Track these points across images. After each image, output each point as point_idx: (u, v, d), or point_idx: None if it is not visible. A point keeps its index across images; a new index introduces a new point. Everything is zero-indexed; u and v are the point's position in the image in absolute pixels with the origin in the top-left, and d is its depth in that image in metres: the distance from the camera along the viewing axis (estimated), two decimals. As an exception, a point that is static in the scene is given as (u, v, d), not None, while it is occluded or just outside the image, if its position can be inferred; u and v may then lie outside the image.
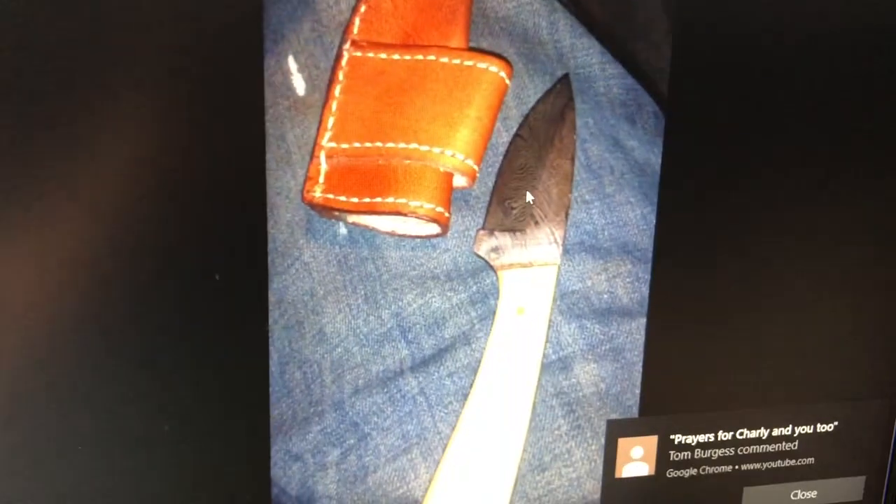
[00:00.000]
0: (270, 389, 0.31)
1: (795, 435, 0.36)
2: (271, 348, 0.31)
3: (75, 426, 0.29)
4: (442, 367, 0.33)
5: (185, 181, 0.28)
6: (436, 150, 0.31)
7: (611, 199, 0.33)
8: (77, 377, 0.29)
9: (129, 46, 0.27)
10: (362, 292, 0.32)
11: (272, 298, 0.31)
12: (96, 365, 0.29)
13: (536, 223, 0.33)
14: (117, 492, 0.30)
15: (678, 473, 0.36)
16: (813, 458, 0.36)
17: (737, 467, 0.36)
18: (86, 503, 0.30)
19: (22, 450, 0.29)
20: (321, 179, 0.31)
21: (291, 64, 0.31)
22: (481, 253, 0.33)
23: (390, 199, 0.31)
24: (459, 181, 0.32)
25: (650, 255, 0.33)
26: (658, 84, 0.32)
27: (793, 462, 0.36)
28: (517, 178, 0.33)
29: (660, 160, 0.32)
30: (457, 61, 0.31)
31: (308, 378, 0.32)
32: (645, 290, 0.33)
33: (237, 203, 0.29)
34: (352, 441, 0.33)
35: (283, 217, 0.32)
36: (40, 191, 0.27)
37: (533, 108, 0.33)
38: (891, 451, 0.37)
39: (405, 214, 0.31)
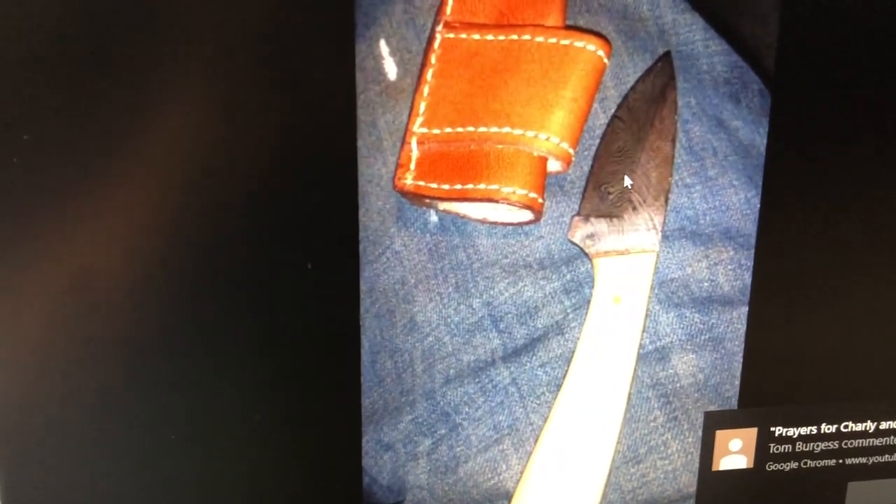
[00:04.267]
0: (362, 379, 0.31)
1: (904, 428, 0.35)
2: (363, 337, 0.31)
3: (171, 416, 0.30)
4: (534, 357, 0.32)
5: (277, 169, 0.28)
6: (529, 133, 0.30)
7: (713, 182, 0.32)
8: (173, 369, 0.29)
9: (221, 33, 0.27)
10: (453, 281, 0.32)
11: (363, 287, 0.31)
12: (192, 356, 0.29)
13: (634, 208, 0.31)
14: (213, 480, 0.31)
15: (778, 467, 0.35)
16: (923, 453, 0.35)
17: (841, 461, 0.35)
18: (182, 492, 0.31)
19: (119, 442, 0.30)
20: (412, 166, 0.31)
21: (383, 48, 0.30)
22: (576, 240, 0.32)
23: (482, 186, 0.30)
24: (554, 166, 0.31)
25: (753, 241, 0.32)
26: (764, 61, 0.31)
27: (901, 457, 0.35)
28: (615, 162, 0.31)
29: (765, 141, 0.31)
30: (553, 40, 0.30)
31: (399, 367, 0.32)
32: (747, 278, 0.32)
33: (329, 191, 0.29)
34: (443, 431, 0.32)
35: (375, 205, 0.31)
36: (137, 179, 0.28)
37: (632, 88, 0.31)
38: None
39: (497, 201, 0.30)
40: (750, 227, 0.32)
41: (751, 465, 0.34)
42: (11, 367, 0.28)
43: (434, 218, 0.32)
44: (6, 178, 0.27)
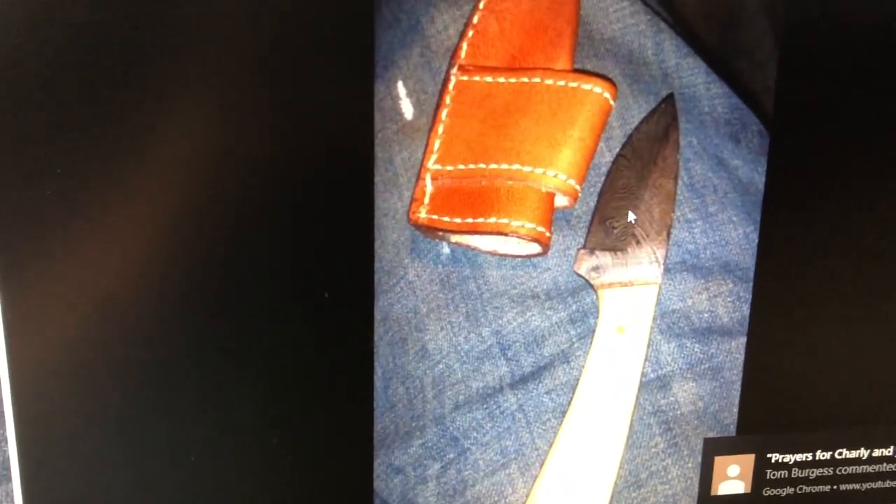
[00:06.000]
0: (375, 404, 0.32)
1: (897, 456, 0.35)
2: (376, 364, 0.32)
3: (186, 439, 0.31)
4: (541, 385, 0.33)
5: (299, 203, 0.29)
6: (538, 170, 0.31)
7: (713, 218, 0.33)
8: (188, 392, 0.30)
9: (246, 74, 0.28)
10: (464, 310, 0.33)
11: (378, 316, 0.32)
12: (210, 380, 0.30)
13: (638, 242, 0.33)
14: (225, 501, 0.31)
15: (775, 492, 0.35)
16: (915, 480, 0.36)
17: (835, 487, 0.35)
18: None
19: (133, 461, 0.30)
20: (426, 201, 0.32)
21: (400, 89, 0.31)
22: (582, 272, 0.33)
23: (493, 220, 0.31)
24: (561, 201, 0.32)
25: (751, 274, 0.33)
26: (763, 103, 0.32)
27: (894, 483, 0.36)
28: (619, 198, 0.33)
29: (763, 179, 0.32)
30: (561, 83, 0.31)
31: (411, 393, 0.33)
32: (746, 310, 0.33)
33: (347, 224, 0.30)
34: (452, 455, 0.33)
35: (390, 237, 0.32)
36: (158, 210, 0.28)
37: (637, 128, 0.33)
38: None
39: (507, 234, 0.31)
40: (748, 260, 0.33)
41: (748, 491, 0.35)
42: (34, 377, 0.29)
43: (446, 250, 0.33)
44: (23, 191, 0.28)
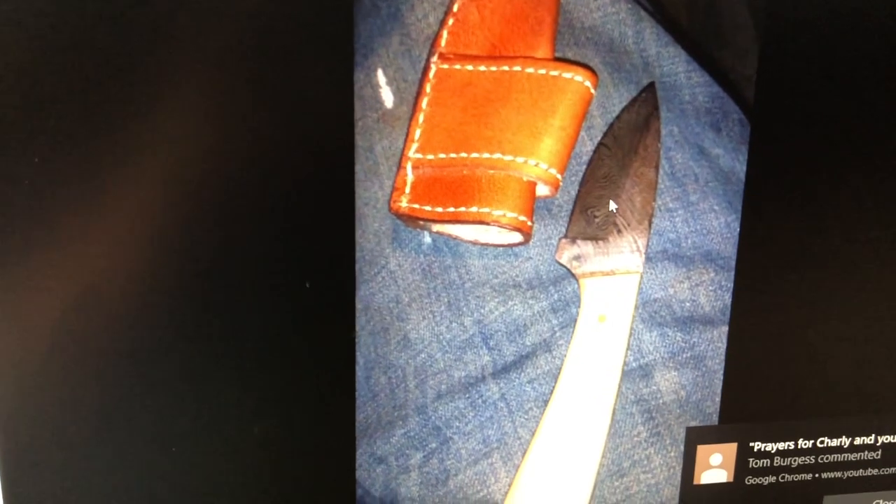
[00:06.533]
0: (357, 394, 0.32)
1: (878, 444, 0.36)
2: (358, 354, 0.32)
3: (167, 430, 0.31)
4: (523, 374, 0.33)
5: (278, 192, 0.29)
6: (519, 159, 0.31)
7: (695, 207, 0.33)
8: (171, 382, 0.30)
9: (224, 63, 0.28)
10: (445, 300, 0.33)
11: (359, 305, 0.32)
12: (191, 370, 0.30)
13: (619, 231, 0.33)
14: (208, 491, 0.31)
15: (757, 481, 0.35)
16: (896, 468, 0.36)
17: (817, 475, 0.36)
18: (179, 501, 0.31)
19: (114, 452, 0.30)
20: (407, 190, 0.32)
21: (380, 77, 0.31)
22: (563, 261, 0.33)
23: (474, 209, 0.31)
24: (542, 190, 0.32)
25: (733, 263, 0.33)
26: (744, 92, 0.32)
27: (875, 471, 0.36)
28: (600, 187, 0.33)
29: (744, 168, 0.32)
30: (542, 72, 0.31)
31: (393, 383, 0.33)
32: (727, 299, 0.33)
33: (327, 214, 0.30)
34: (434, 445, 0.33)
35: (371, 227, 0.32)
36: (137, 196, 0.28)
37: (617, 117, 0.33)
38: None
39: (488, 223, 0.31)
40: (730, 249, 0.33)
41: (731, 479, 0.35)
42: (14, 372, 0.29)
43: (428, 239, 0.33)
44: (8, 187, 0.28)
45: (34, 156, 0.27)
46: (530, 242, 0.33)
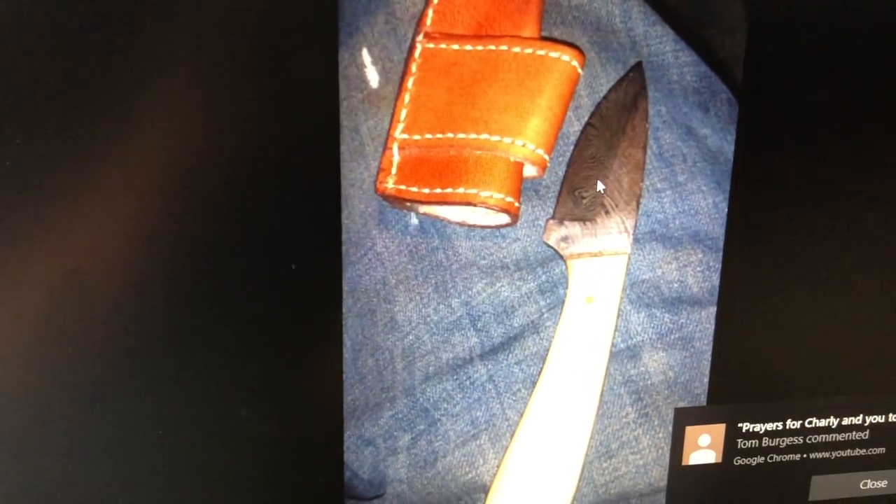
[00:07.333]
0: (344, 376, 0.32)
1: (866, 424, 0.36)
2: (345, 336, 0.32)
3: (154, 412, 0.30)
4: (510, 355, 0.33)
5: (263, 173, 0.29)
6: (506, 140, 0.31)
7: (682, 187, 0.33)
8: (157, 366, 0.30)
9: (206, 42, 0.27)
10: (433, 281, 0.33)
11: (346, 287, 0.32)
12: (177, 353, 0.30)
13: (607, 212, 0.32)
14: (197, 474, 0.31)
15: (745, 461, 0.35)
16: (884, 448, 0.36)
17: (805, 456, 0.36)
18: (166, 485, 0.31)
19: (104, 434, 0.30)
20: (394, 170, 0.31)
21: (365, 56, 0.31)
22: (551, 242, 0.33)
23: (461, 190, 0.31)
24: (530, 171, 0.32)
25: (721, 243, 0.33)
26: (732, 71, 0.32)
27: (863, 451, 0.36)
28: (588, 168, 0.32)
29: (732, 148, 0.32)
30: (529, 51, 0.31)
31: (380, 365, 0.33)
32: (715, 279, 0.33)
33: (313, 195, 0.30)
34: (422, 426, 0.33)
35: (357, 208, 0.32)
36: (122, 181, 0.28)
37: (605, 97, 0.32)
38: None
39: (476, 205, 0.31)
40: (718, 230, 0.33)
41: (719, 460, 0.35)
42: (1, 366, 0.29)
43: (414, 221, 0.33)
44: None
45: (15, 141, 0.27)
46: (518, 223, 0.33)
